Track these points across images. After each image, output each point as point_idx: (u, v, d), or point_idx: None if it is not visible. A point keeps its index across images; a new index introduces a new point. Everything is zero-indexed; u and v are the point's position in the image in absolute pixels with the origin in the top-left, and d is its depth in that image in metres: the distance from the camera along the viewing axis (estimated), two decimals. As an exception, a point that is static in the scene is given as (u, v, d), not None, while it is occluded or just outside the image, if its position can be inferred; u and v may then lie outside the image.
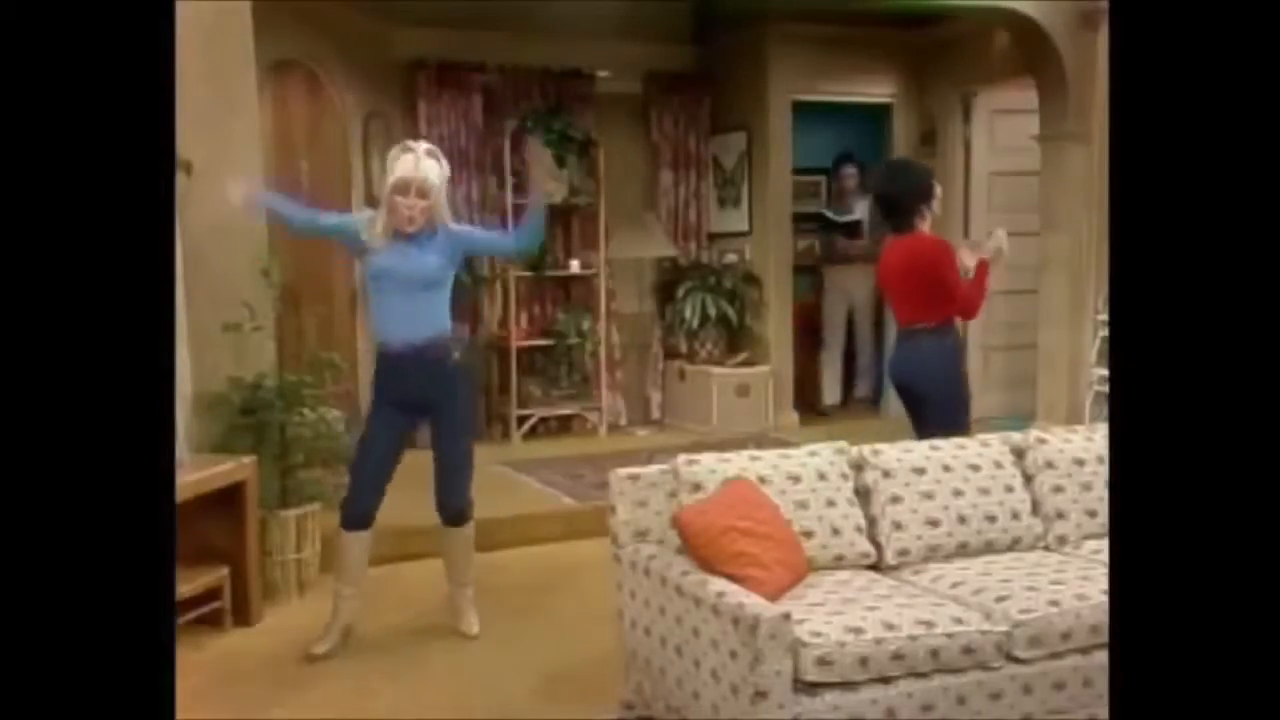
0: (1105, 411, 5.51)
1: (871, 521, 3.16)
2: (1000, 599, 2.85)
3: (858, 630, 2.61)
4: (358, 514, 3.62)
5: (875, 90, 7.34)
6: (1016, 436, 3.49)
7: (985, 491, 3.27)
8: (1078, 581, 2.95)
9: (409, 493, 3.75)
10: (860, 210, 7.28)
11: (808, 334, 7.72)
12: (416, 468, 3.77)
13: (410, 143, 3.55)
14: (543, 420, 6.90)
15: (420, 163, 3.42)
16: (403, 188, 3.39)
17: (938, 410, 3.97)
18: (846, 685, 2.57)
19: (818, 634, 2.58)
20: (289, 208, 3.78)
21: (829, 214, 7.51)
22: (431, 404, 3.61)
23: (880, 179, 4.29)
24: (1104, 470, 3.39)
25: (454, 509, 3.73)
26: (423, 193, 3.42)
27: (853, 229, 7.37)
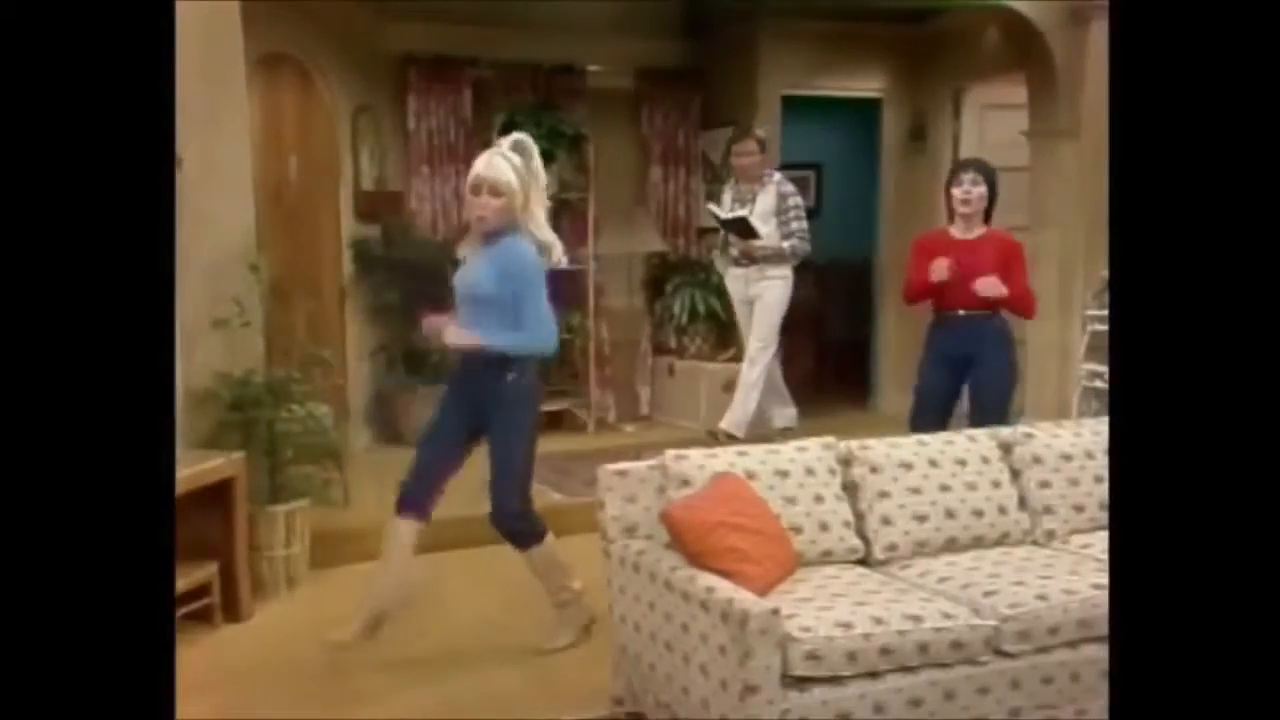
0: (1094, 407, 5.54)
1: (859, 516, 3.17)
2: (988, 594, 2.86)
3: (846, 625, 2.62)
4: (409, 500, 3.49)
5: (865, 85, 7.35)
6: (1004, 431, 3.51)
7: (973, 486, 3.28)
8: (1066, 576, 2.97)
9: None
10: (762, 204, 5.68)
11: (798, 329, 7.72)
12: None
13: (501, 140, 3.47)
14: (532, 415, 6.88)
15: (492, 161, 3.34)
16: (475, 187, 3.35)
17: None
18: (835, 680, 2.58)
19: (807, 629, 2.58)
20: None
21: (716, 209, 5.85)
22: (489, 409, 3.48)
23: (992, 177, 4.45)
24: (1091, 465, 3.41)
25: (498, 518, 3.55)
26: (495, 191, 3.33)
27: (739, 226, 5.70)
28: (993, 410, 4.28)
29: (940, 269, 4.27)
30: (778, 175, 5.78)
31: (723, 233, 5.95)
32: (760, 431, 5.83)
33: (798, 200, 5.73)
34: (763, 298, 5.80)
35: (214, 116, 4.14)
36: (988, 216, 4.43)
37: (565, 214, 7.00)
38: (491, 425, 3.50)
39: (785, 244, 5.64)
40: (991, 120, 7.00)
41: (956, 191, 4.38)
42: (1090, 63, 5.74)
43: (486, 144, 6.51)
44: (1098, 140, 5.38)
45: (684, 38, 7.40)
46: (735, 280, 5.96)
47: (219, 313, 4.03)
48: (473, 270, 3.43)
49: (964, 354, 4.36)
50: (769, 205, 5.67)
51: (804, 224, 5.72)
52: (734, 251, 5.82)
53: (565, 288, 7.08)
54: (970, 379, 4.40)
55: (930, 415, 4.35)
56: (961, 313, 4.35)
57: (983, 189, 4.34)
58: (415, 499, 3.51)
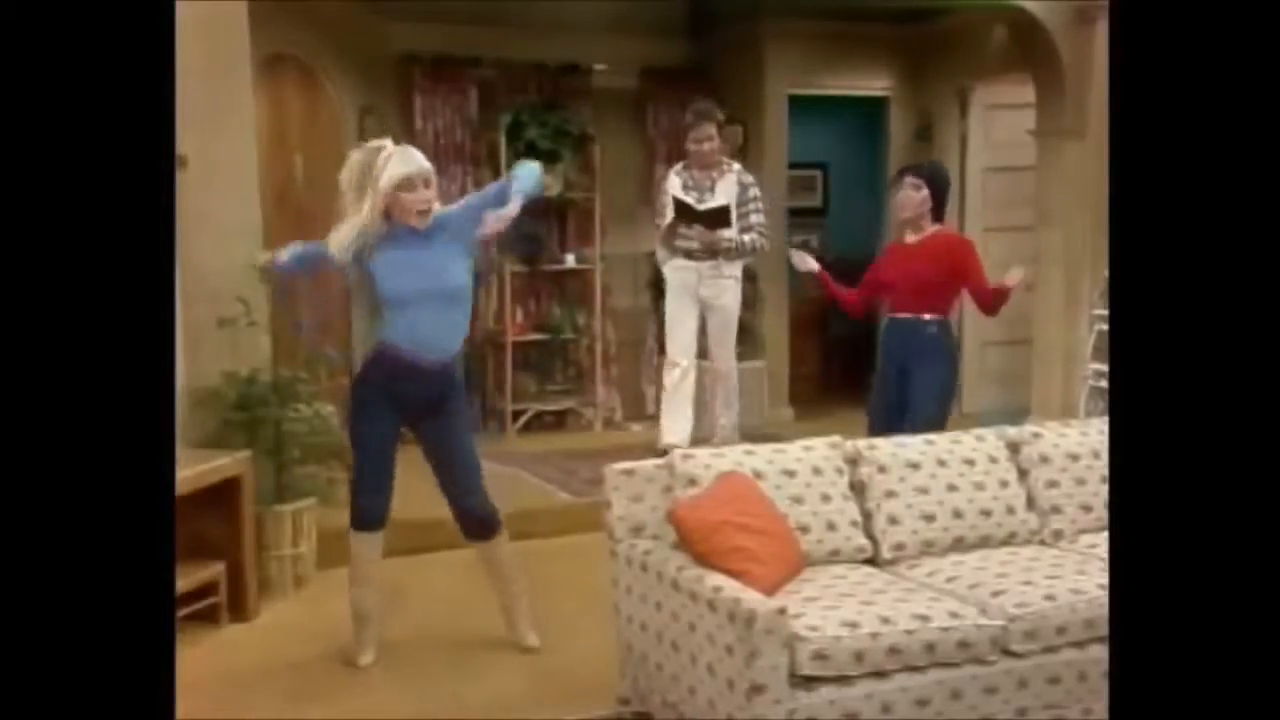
0: (1101, 407, 5.52)
1: (867, 516, 3.16)
2: (996, 593, 2.85)
3: (853, 625, 2.61)
4: (372, 515, 3.48)
5: (872, 84, 7.33)
6: (1011, 431, 3.48)
7: (980, 486, 3.27)
8: (1073, 576, 2.96)
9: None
10: (725, 193, 5.27)
11: (806, 329, 7.72)
12: (415, 461, 3.74)
13: (376, 143, 3.41)
14: (537, 415, 6.88)
15: (416, 154, 3.33)
16: (409, 184, 3.28)
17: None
18: (842, 680, 2.57)
19: (814, 628, 2.58)
20: (304, 251, 3.56)
21: (686, 198, 5.28)
22: (435, 410, 3.46)
23: (933, 178, 4.39)
24: (1099, 465, 3.39)
25: (480, 512, 3.54)
26: (429, 183, 3.32)
27: (718, 217, 5.24)
28: (922, 420, 4.09)
29: (801, 260, 4.47)
30: (737, 165, 5.41)
31: (671, 220, 5.32)
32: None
33: (758, 192, 5.35)
34: (720, 303, 5.36)
35: (219, 117, 4.14)
36: (939, 216, 4.32)
37: (571, 214, 7.02)
38: (442, 422, 3.47)
39: (746, 237, 5.23)
40: (998, 119, 6.99)
41: (894, 201, 4.37)
42: (1097, 62, 5.71)
43: (493, 144, 6.66)
44: (1104, 139, 5.36)
45: (689, 37, 7.39)
46: (682, 273, 5.35)
47: (225, 312, 4.03)
48: (430, 263, 3.33)
49: (903, 359, 4.27)
50: (730, 196, 5.24)
51: (763, 218, 5.35)
52: (690, 243, 5.27)
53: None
54: (906, 386, 4.27)
55: (878, 423, 4.25)
56: (903, 316, 4.28)
57: (923, 194, 4.23)
58: (379, 513, 3.49)
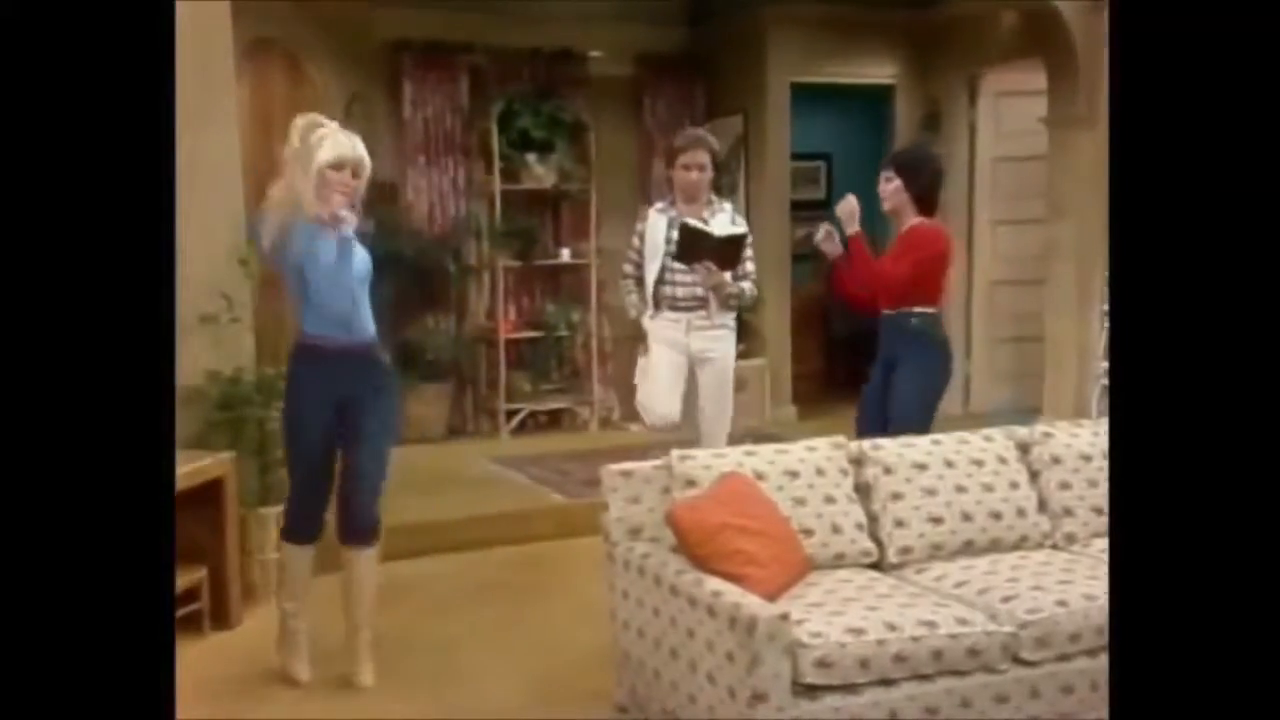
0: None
1: (872, 518, 3.10)
2: (1006, 599, 2.79)
3: (859, 631, 2.56)
4: (308, 525, 3.37)
5: (877, 72, 7.23)
6: (1021, 431, 3.42)
7: (990, 488, 3.19)
8: (1086, 581, 2.89)
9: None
10: (724, 219, 4.26)
11: (808, 326, 7.61)
12: (406, 463, 3.64)
13: (320, 118, 3.29)
14: (532, 415, 6.80)
15: (356, 141, 3.24)
16: (340, 164, 3.18)
17: None
18: (847, 688, 2.52)
19: (817, 635, 2.53)
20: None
21: (699, 225, 4.15)
22: (358, 403, 3.31)
23: (915, 166, 4.23)
24: (1111, 465, 3.30)
25: (362, 521, 3.33)
26: (358, 173, 3.22)
27: (733, 249, 4.21)
28: (902, 418, 3.89)
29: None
30: (727, 203, 4.46)
31: (663, 263, 4.25)
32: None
33: (750, 238, 4.40)
34: (717, 358, 4.32)
35: (203, 108, 4.04)
36: (930, 208, 4.13)
37: (565, 206, 6.92)
38: (364, 419, 3.31)
39: (745, 285, 4.30)
40: (1008, 107, 6.88)
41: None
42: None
43: (484, 133, 6.54)
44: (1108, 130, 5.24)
45: (688, 23, 7.30)
46: (668, 328, 4.27)
47: (207, 309, 3.94)
48: (352, 250, 3.21)
49: (889, 355, 4.13)
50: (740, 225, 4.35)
51: (754, 266, 4.40)
52: (677, 289, 4.25)
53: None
54: (890, 384, 4.08)
55: (865, 420, 4.11)
56: (889, 312, 4.13)
57: (895, 184, 4.07)
58: (316, 522, 3.38)
